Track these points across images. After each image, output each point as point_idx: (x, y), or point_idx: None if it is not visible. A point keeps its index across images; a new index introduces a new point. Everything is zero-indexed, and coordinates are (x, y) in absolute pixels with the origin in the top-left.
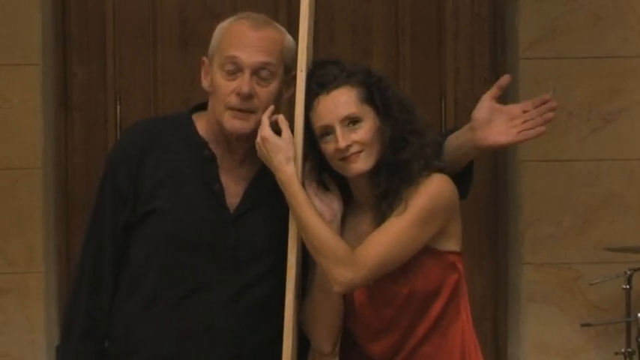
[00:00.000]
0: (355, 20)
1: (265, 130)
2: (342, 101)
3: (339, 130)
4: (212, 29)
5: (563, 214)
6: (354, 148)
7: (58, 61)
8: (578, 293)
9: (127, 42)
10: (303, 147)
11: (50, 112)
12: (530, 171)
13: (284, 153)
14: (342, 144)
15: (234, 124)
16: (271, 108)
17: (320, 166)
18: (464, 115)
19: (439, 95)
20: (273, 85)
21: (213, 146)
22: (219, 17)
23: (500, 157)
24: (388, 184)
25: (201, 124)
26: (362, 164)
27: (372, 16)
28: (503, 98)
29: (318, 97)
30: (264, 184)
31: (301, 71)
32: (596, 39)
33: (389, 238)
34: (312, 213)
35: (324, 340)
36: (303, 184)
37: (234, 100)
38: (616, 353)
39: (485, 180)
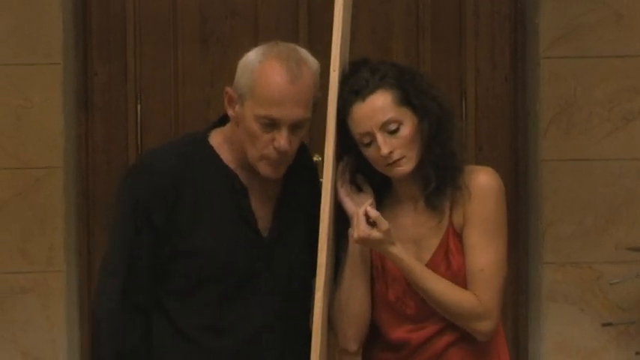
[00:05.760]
0: (375, 19)
1: (362, 231)
2: (378, 107)
3: (379, 137)
4: (232, 27)
5: (584, 214)
6: (397, 154)
7: (79, 61)
8: (599, 293)
9: (147, 41)
10: (335, 149)
11: (71, 111)
12: (551, 170)
13: (387, 241)
14: (385, 151)
15: (269, 171)
16: (368, 203)
17: (353, 167)
18: (485, 114)
19: (460, 94)
20: (306, 128)
21: (239, 172)
22: (239, 16)
23: (521, 156)
24: (439, 180)
25: (224, 151)
26: (406, 167)
27: (393, 14)
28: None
29: (354, 104)
30: (291, 202)
31: (334, 71)
32: (618, 38)
33: (496, 267)
34: (432, 279)
35: (351, 339)
36: (335, 186)
37: (271, 152)
38: (637, 353)
39: (506, 180)
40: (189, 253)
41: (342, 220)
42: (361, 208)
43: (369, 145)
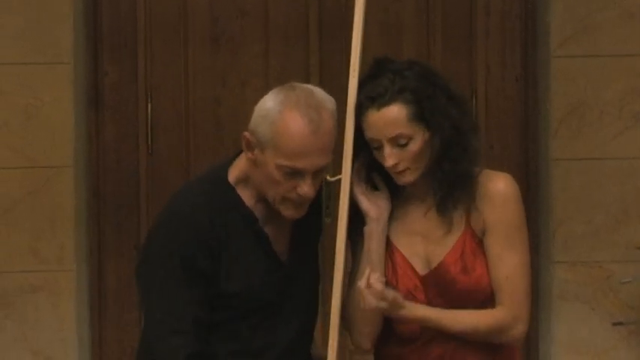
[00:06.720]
0: (386, 18)
1: (369, 304)
2: (391, 120)
3: (387, 148)
4: (242, 27)
5: (595, 213)
6: (402, 166)
7: (90, 60)
8: (609, 292)
9: (157, 40)
10: (352, 153)
11: (81, 110)
12: (562, 169)
13: (395, 308)
14: (390, 163)
15: (291, 213)
16: (375, 276)
17: (369, 165)
18: (495, 114)
19: (470, 93)
20: (328, 169)
21: (257, 206)
22: (249, 15)
23: (531, 155)
24: (446, 192)
25: (242, 187)
26: (409, 178)
27: (403, 13)
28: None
29: (368, 110)
30: (303, 222)
31: (354, 72)
32: (629, 37)
33: (522, 272)
34: (451, 317)
35: (365, 337)
36: (351, 184)
37: (294, 197)
38: None
39: (517, 179)
40: (227, 294)
41: (357, 218)
42: (361, 281)
43: (377, 149)
